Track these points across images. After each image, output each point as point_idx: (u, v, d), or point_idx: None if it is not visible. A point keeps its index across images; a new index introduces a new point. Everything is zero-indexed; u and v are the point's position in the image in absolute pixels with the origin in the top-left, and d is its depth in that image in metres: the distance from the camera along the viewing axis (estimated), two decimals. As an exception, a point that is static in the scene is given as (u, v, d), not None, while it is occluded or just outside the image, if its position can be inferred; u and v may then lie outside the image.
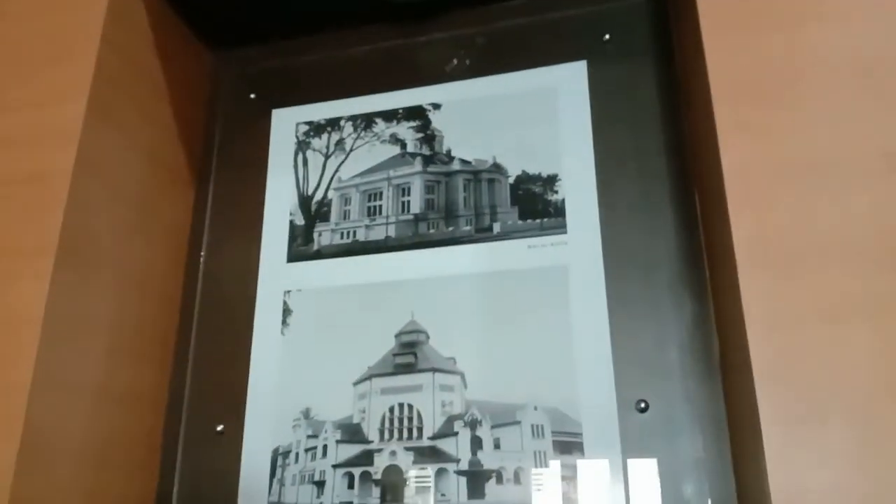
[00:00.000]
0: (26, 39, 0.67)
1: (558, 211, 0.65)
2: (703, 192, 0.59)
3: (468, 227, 0.68)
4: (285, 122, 0.77)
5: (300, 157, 0.75)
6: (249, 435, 0.66)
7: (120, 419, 0.64)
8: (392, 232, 0.70)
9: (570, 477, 0.57)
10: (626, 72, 0.68)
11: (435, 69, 0.74)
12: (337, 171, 0.74)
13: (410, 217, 0.70)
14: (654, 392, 0.58)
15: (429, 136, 0.72)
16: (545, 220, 0.66)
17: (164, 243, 0.72)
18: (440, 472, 0.60)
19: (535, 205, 0.66)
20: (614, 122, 0.67)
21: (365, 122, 0.75)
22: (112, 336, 0.64)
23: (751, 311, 0.47)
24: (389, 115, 0.74)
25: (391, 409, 0.64)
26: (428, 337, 0.65)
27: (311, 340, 0.68)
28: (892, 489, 0.42)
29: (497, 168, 0.69)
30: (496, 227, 0.67)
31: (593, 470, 0.57)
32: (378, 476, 0.62)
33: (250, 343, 0.69)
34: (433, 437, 0.62)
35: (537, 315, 0.62)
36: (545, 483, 0.58)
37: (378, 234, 0.70)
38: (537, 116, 0.69)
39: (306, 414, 0.65)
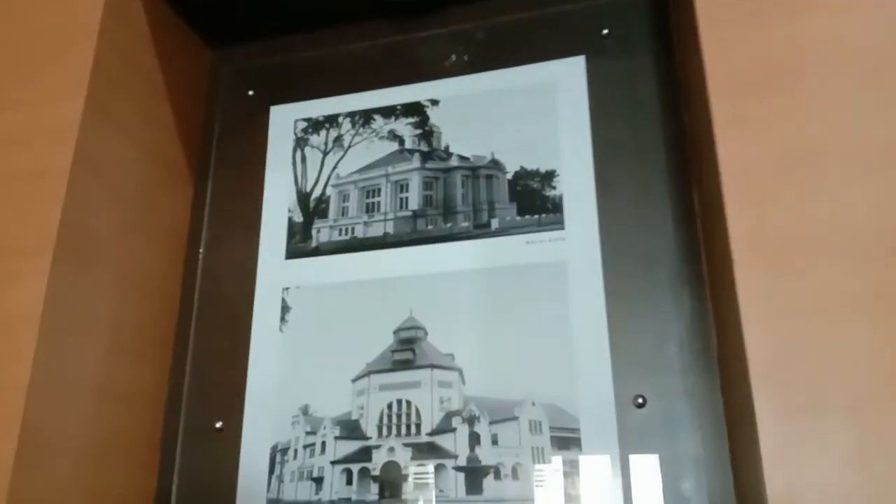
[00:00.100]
0: (24, 38, 0.67)
1: (556, 207, 0.65)
2: (702, 187, 0.59)
3: (466, 224, 0.68)
4: (284, 119, 0.77)
5: (298, 153, 0.75)
6: (248, 432, 0.66)
7: (119, 416, 0.64)
8: (390, 228, 0.70)
9: (567, 472, 0.57)
10: (624, 67, 0.68)
11: (433, 65, 0.74)
12: (335, 167, 0.74)
13: (409, 213, 0.70)
14: (652, 388, 0.57)
15: (427, 132, 0.72)
16: (543, 215, 0.65)
17: (162, 241, 0.72)
18: (438, 468, 0.60)
19: (534, 200, 0.66)
20: (613, 117, 0.66)
21: (363, 118, 0.75)
22: (111, 334, 0.64)
23: (747, 305, 0.47)
24: (388, 112, 0.74)
25: (389, 406, 0.64)
26: (426, 333, 0.65)
27: (309, 337, 0.68)
28: (889, 483, 0.42)
29: (495, 164, 0.69)
30: (494, 223, 0.67)
31: (591, 465, 0.57)
32: (376, 472, 0.62)
33: (249, 340, 0.69)
34: (431, 434, 0.62)
35: (535, 311, 0.62)
36: (543, 479, 0.58)
37: (376, 230, 0.70)
38: (536, 112, 0.69)
39: (305, 410, 0.65)
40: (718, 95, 0.52)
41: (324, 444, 0.64)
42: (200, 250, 0.74)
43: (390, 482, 0.61)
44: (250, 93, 0.79)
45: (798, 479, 0.43)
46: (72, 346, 0.60)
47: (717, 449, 0.55)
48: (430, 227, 0.69)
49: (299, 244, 0.72)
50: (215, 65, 0.82)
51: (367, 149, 0.74)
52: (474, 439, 0.61)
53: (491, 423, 0.61)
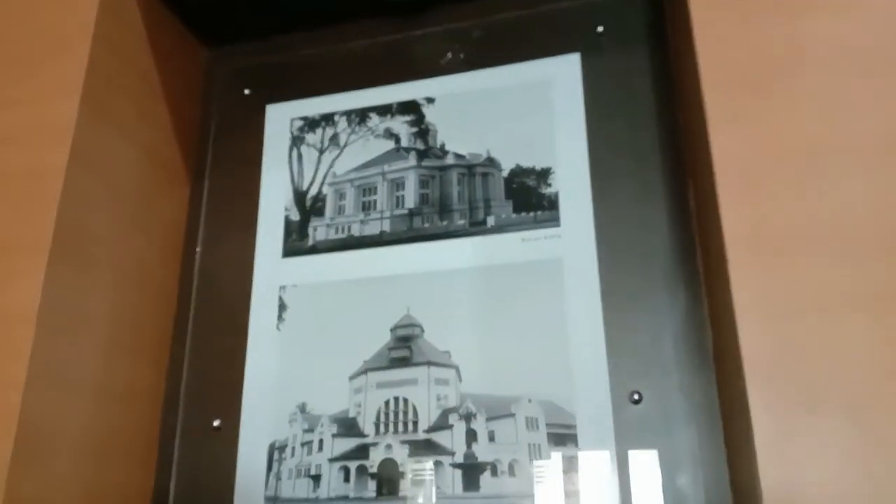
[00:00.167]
0: (19, 37, 0.67)
1: (552, 204, 0.65)
2: (697, 184, 0.59)
3: (462, 221, 0.68)
4: (280, 118, 0.77)
5: (295, 152, 0.75)
6: (246, 430, 0.66)
7: (117, 415, 0.64)
8: (387, 226, 0.70)
9: (564, 469, 0.57)
10: (620, 64, 0.68)
11: (429, 63, 0.74)
12: (331, 166, 0.74)
13: (405, 211, 0.70)
14: (647, 384, 0.58)
15: (423, 130, 0.73)
16: (539, 213, 0.66)
17: (159, 239, 0.73)
18: (435, 465, 0.61)
19: (529, 198, 0.66)
20: (608, 114, 0.66)
21: (359, 116, 0.75)
22: (108, 332, 0.64)
23: (741, 301, 0.47)
24: (384, 110, 0.74)
25: (387, 403, 0.64)
26: (423, 331, 0.65)
27: (306, 335, 0.68)
28: (883, 480, 0.43)
29: (491, 162, 0.69)
30: (490, 221, 0.67)
31: (588, 462, 0.57)
32: (374, 469, 0.62)
33: (246, 338, 0.69)
34: (428, 431, 0.62)
35: (531, 308, 0.63)
36: (540, 475, 0.58)
37: (373, 228, 0.70)
38: (531, 109, 0.69)
39: (302, 408, 0.66)
40: (712, 93, 0.52)
41: (321, 441, 0.64)
42: (197, 249, 0.74)
43: (388, 479, 0.61)
44: (246, 91, 0.79)
45: (792, 475, 0.44)
46: (69, 344, 0.60)
47: (713, 445, 0.55)
48: (426, 224, 0.69)
49: (296, 243, 0.72)
50: (211, 64, 0.82)
51: (364, 147, 0.74)
52: (471, 436, 0.61)
53: (488, 419, 0.61)
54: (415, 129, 0.73)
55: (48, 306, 0.57)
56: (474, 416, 0.61)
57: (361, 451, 0.63)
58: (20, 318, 0.57)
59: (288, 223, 0.73)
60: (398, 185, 0.71)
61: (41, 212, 0.59)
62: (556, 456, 0.58)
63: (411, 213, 0.70)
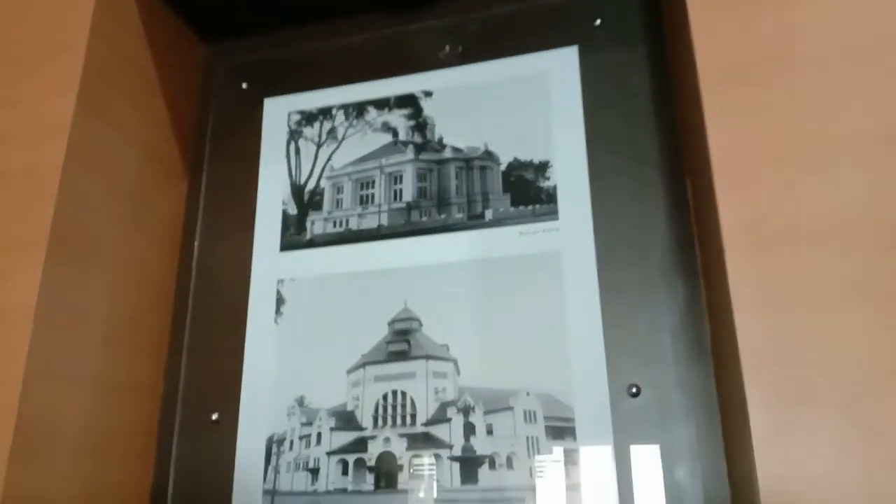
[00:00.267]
0: (16, 34, 0.67)
1: (550, 197, 0.65)
2: (694, 176, 0.59)
3: (460, 215, 0.68)
4: (277, 112, 0.77)
5: (292, 146, 0.75)
6: (244, 423, 0.66)
7: (116, 409, 0.65)
8: (384, 220, 0.70)
9: (562, 461, 0.58)
10: (617, 57, 0.68)
11: (427, 57, 0.74)
12: (329, 159, 0.74)
13: (403, 205, 0.70)
14: (645, 377, 0.58)
15: (421, 123, 0.72)
16: (537, 206, 0.66)
17: (157, 234, 0.73)
18: (434, 459, 0.61)
19: (528, 191, 0.66)
20: (606, 107, 0.66)
21: (357, 110, 0.75)
22: (106, 327, 0.65)
23: (738, 294, 0.47)
24: (381, 104, 0.74)
25: (385, 397, 0.64)
26: (421, 324, 0.65)
27: (304, 329, 0.68)
28: (879, 472, 0.43)
29: (489, 155, 0.69)
30: (488, 215, 0.67)
31: (586, 454, 0.57)
32: (372, 463, 0.62)
33: (244, 332, 0.69)
34: (426, 424, 0.62)
35: (529, 301, 0.63)
36: (538, 468, 0.58)
37: (370, 222, 0.70)
38: (529, 103, 0.69)
39: (300, 402, 0.66)
40: (709, 85, 0.52)
41: (319, 435, 0.64)
42: (196, 243, 0.74)
43: (386, 472, 0.62)
44: (244, 86, 0.79)
45: (789, 467, 0.44)
46: (67, 339, 0.60)
47: (710, 437, 0.55)
48: (424, 218, 0.69)
49: (294, 236, 0.72)
50: (209, 59, 0.82)
51: (361, 141, 0.74)
52: (469, 429, 0.61)
53: (486, 413, 0.61)
54: (412, 123, 0.73)
55: (46, 302, 0.57)
56: (472, 409, 0.61)
57: (360, 445, 0.63)
58: (18, 315, 0.57)
59: (286, 217, 0.73)
60: (396, 178, 0.71)
61: (38, 209, 0.59)
62: (554, 449, 0.58)
63: (409, 207, 0.70)
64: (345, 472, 0.63)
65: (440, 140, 0.71)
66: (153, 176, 0.72)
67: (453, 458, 0.60)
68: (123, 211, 0.68)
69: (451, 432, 0.61)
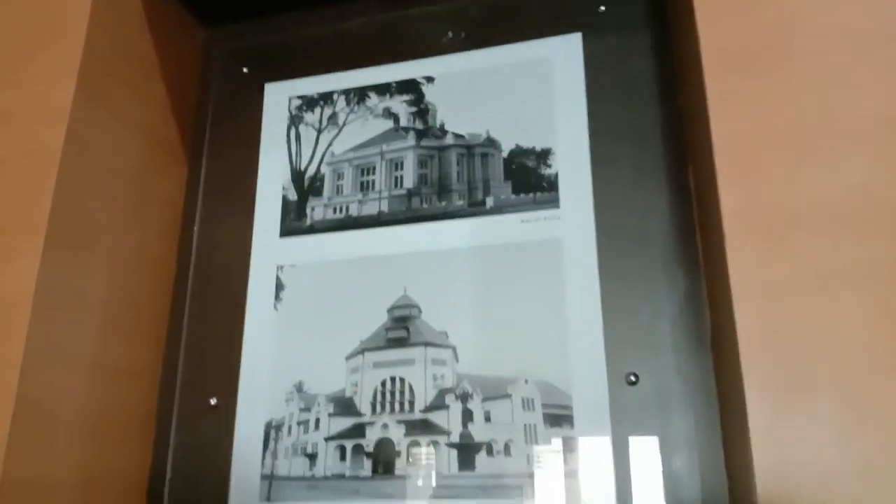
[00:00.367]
0: (15, 19, 0.67)
1: (552, 185, 0.65)
2: (697, 164, 0.59)
3: (461, 202, 0.67)
4: (278, 97, 0.76)
5: (293, 131, 0.75)
6: (243, 408, 0.66)
7: (114, 394, 0.65)
8: (385, 207, 0.69)
9: (559, 449, 0.57)
10: (621, 44, 0.67)
11: (429, 42, 0.73)
12: (330, 145, 0.73)
13: (403, 192, 0.70)
14: (644, 365, 0.58)
15: (422, 110, 0.72)
16: (538, 194, 0.65)
17: (157, 219, 0.72)
18: (431, 445, 0.61)
19: (529, 179, 0.66)
20: (609, 94, 0.66)
21: (358, 96, 0.74)
22: (106, 312, 0.64)
23: (738, 281, 0.47)
24: (383, 89, 0.74)
25: (383, 383, 0.64)
26: (420, 311, 0.65)
27: (303, 315, 0.68)
28: (876, 459, 0.42)
29: (490, 142, 0.69)
30: (489, 202, 0.67)
31: (583, 442, 0.57)
32: (370, 448, 0.62)
33: (243, 318, 0.69)
34: (425, 411, 0.62)
35: (529, 289, 0.62)
36: (535, 455, 0.58)
37: (371, 208, 0.70)
38: (531, 89, 0.68)
39: (299, 388, 0.66)
40: (713, 72, 0.52)
41: (318, 420, 0.64)
42: (195, 229, 0.74)
43: (383, 458, 0.62)
44: (245, 70, 0.78)
45: (786, 454, 0.44)
46: (66, 324, 0.60)
47: (708, 426, 0.55)
48: (424, 205, 0.68)
49: (294, 222, 0.71)
50: (209, 43, 0.81)
51: (362, 127, 0.73)
52: (467, 416, 0.61)
53: (484, 400, 0.61)
54: (414, 109, 0.72)
55: (45, 287, 0.57)
56: (470, 396, 0.61)
57: (358, 431, 0.63)
58: (17, 299, 0.57)
59: (286, 203, 0.72)
60: (397, 165, 0.71)
61: (37, 193, 0.59)
62: (552, 436, 0.58)
63: (410, 194, 0.69)
64: (343, 458, 0.63)
65: (442, 126, 0.71)
66: (153, 161, 0.72)
67: (451, 445, 0.60)
68: (123, 196, 0.68)
69: (450, 419, 0.61)
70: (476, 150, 0.69)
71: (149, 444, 0.68)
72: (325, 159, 0.73)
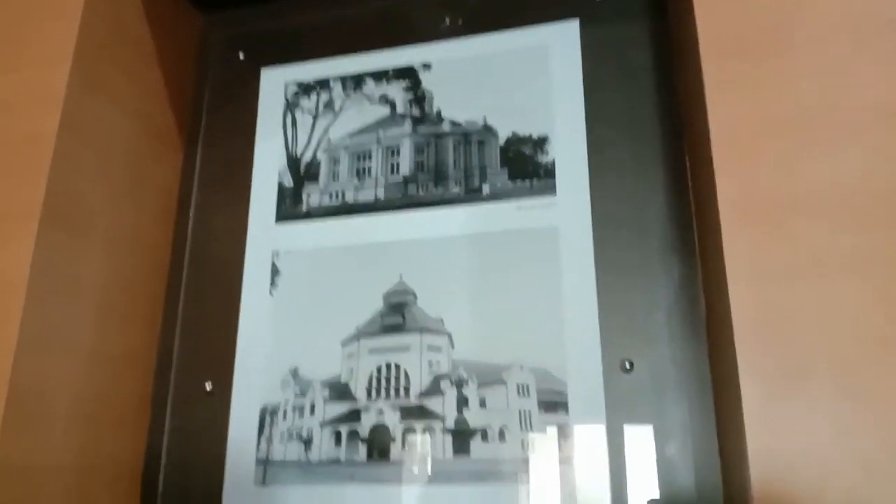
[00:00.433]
0: (10, 3, 0.66)
1: (548, 172, 0.65)
2: (694, 152, 0.59)
3: (457, 189, 0.67)
4: (274, 82, 0.76)
5: (289, 117, 0.75)
6: (238, 393, 0.66)
7: (109, 379, 0.65)
8: (381, 193, 0.69)
9: (554, 435, 0.58)
10: (619, 31, 0.67)
11: (427, 28, 0.73)
12: (326, 131, 0.73)
13: (400, 178, 0.69)
14: (639, 352, 0.58)
15: (419, 96, 0.72)
16: (535, 181, 0.65)
17: (153, 205, 0.72)
18: (426, 430, 0.61)
19: (526, 166, 0.66)
20: (606, 82, 0.66)
21: (354, 82, 0.74)
22: (101, 297, 0.64)
23: (733, 267, 0.47)
24: (379, 76, 0.73)
25: (379, 369, 0.64)
26: (416, 298, 0.65)
27: (299, 301, 0.68)
28: (871, 447, 0.43)
29: (487, 129, 0.68)
30: (486, 189, 0.66)
31: (577, 428, 0.57)
32: (365, 434, 0.62)
33: (239, 303, 0.69)
34: (420, 396, 0.62)
35: (525, 276, 0.62)
36: (529, 441, 0.58)
37: (367, 195, 0.70)
38: (528, 76, 0.68)
39: (294, 373, 0.66)
40: (711, 59, 0.51)
41: (313, 406, 0.64)
42: (190, 214, 0.74)
43: (379, 444, 0.62)
44: (241, 56, 0.78)
45: (780, 442, 0.44)
46: (60, 309, 0.60)
47: (703, 414, 0.55)
48: (421, 192, 0.68)
49: (289, 208, 0.71)
50: (205, 29, 0.81)
51: (359, 113, 0.73)
52: (462, 402, 0.61)
53: (479, 386, 0.61)
54: (411, 96, 0.72)
55: (39, 271, 0.57)
56: (466, 382, 0.61)
57: (353, 416, 0.63)
58: (11, 284, 0.56)
59: (282, 189, 0.72)
60: (393, 151, 0.71)
61: (32, 178, 0.59)
62: (547, 422, 0.58)
63: (406, 180, 0.69)
64: (338, 443, 0.63)
65: (438, 113, 0.71)
66: (148, 146, 0.72)
67: (446, 431, 0.61)
68: (118, 181, 0.68)
69: (445, 405, 0.61)
70: (473, 138, 0.69)
71: (144, 430, 0.68)
72: (322, 145, 0.73)
